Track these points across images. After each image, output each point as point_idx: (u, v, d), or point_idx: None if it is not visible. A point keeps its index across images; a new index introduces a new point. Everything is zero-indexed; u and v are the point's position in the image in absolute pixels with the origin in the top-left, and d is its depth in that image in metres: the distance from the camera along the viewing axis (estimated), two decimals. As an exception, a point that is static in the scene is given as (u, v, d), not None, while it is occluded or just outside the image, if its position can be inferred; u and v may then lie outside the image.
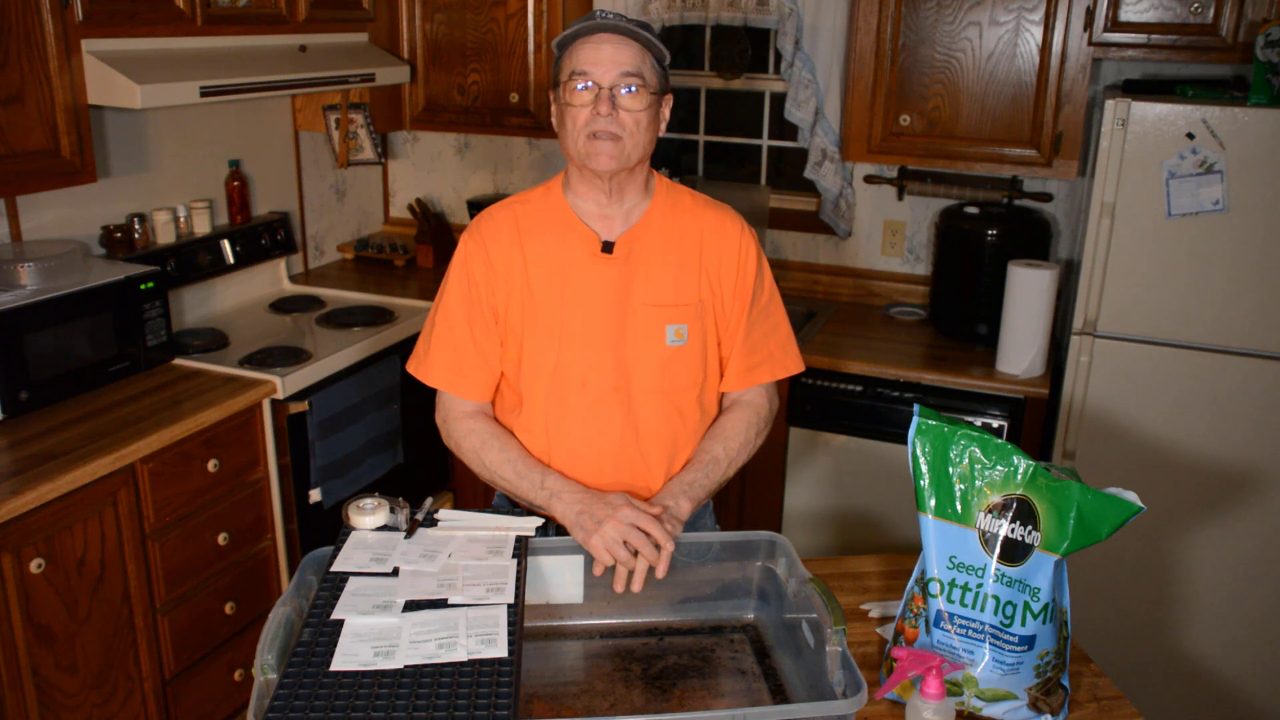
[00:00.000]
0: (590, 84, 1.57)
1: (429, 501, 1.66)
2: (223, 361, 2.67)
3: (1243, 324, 2.51)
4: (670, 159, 3.74)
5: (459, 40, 3.35)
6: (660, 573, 1.51)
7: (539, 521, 1.62)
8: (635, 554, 1.51)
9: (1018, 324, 2.75)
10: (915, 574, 1.45)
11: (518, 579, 1.47)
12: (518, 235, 1.68)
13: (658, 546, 1.51)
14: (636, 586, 1.52)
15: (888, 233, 3.37)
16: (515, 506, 1.79)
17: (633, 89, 1.58)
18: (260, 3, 2.76)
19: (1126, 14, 2.67)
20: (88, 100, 2.35)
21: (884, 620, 1.64)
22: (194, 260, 2.96)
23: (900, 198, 3.31)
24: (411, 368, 1.77)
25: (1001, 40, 2.80)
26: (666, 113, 1.69)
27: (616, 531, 1.51)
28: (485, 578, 1.47)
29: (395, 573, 1.48)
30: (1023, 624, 1.36)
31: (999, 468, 1.37)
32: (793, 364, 1.79)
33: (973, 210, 3.05)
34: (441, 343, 1.72)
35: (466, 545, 1.55)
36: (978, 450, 1.38)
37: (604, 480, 1.68)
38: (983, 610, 1.37)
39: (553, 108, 1.68)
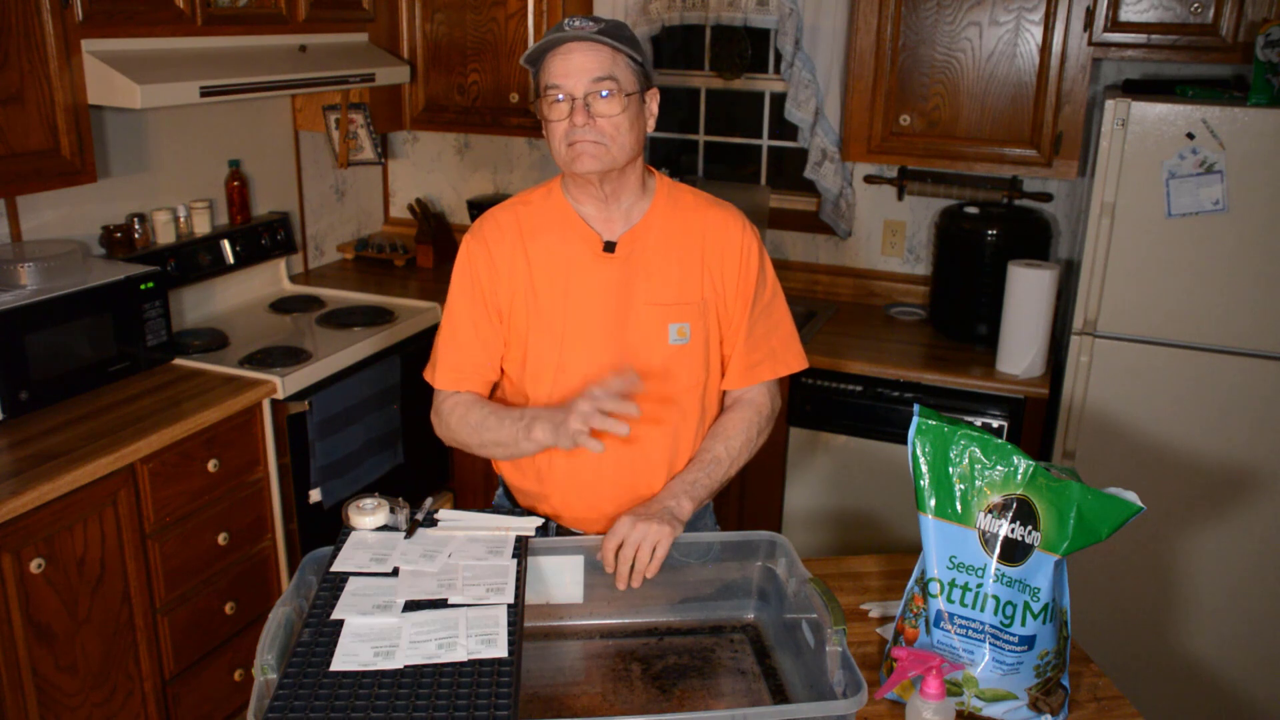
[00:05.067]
0: (563, 96, 1.57)
1: (429, 501, 1.66)
2: (223, 361, 2.67)
3: (1243, 324, 2.51)
4: (670, 159, 3.74)
5: (459, 40, 3.35)
6: (651, 573, 1.52)
7: (539, 521, 1.62)
8: (633, 557, 1.52)
9: (1018, 324, 2.75)
10: (915, 574, 1.45)
11: (518, 579, 1.47)
12: (520, 236, 1.69)
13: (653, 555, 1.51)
14: (636, 581, 1.52)
15: (888, 233, 3.37)
16: (515, 506, 1.79)
17: (606, 94, 1.57)
18: (260, 3, 2.76)
19: (1126, 14, 2.67)
20: (88, 100, 2.35)
21: (884, 620, 1.64)
22: (194, 260, 2.96)
23: (900, 198, 3.31)
24: (426, 375, 1.77)
25: (1001, 40, 2.80)
26: (654, 108, 1.67)
27: (585, 406, 1.49)
28: (485, 578, 1.47)
29: (395, 573, 1.48)
30: (1023, 624, 1.36)
31: (999, 468, 1.37)
32: (795, 361, 1.79)
33: (973, 210, 3.05)
34: (447, 346, 1.72)
35: (466, 545, 1.55)
36: (978, 450, 1.38)
37: (605, 480, 1.68)
38: (983, 610, 1.37)
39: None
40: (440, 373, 1.73)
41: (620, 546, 1.52)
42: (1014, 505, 1.36)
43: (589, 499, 1.71)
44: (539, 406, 1.65)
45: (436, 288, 3.40)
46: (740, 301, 1.72)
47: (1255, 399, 2.53)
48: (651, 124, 1.67)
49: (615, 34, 1.57)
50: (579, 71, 1.56)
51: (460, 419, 1.69)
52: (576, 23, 1.57)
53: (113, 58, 2.36)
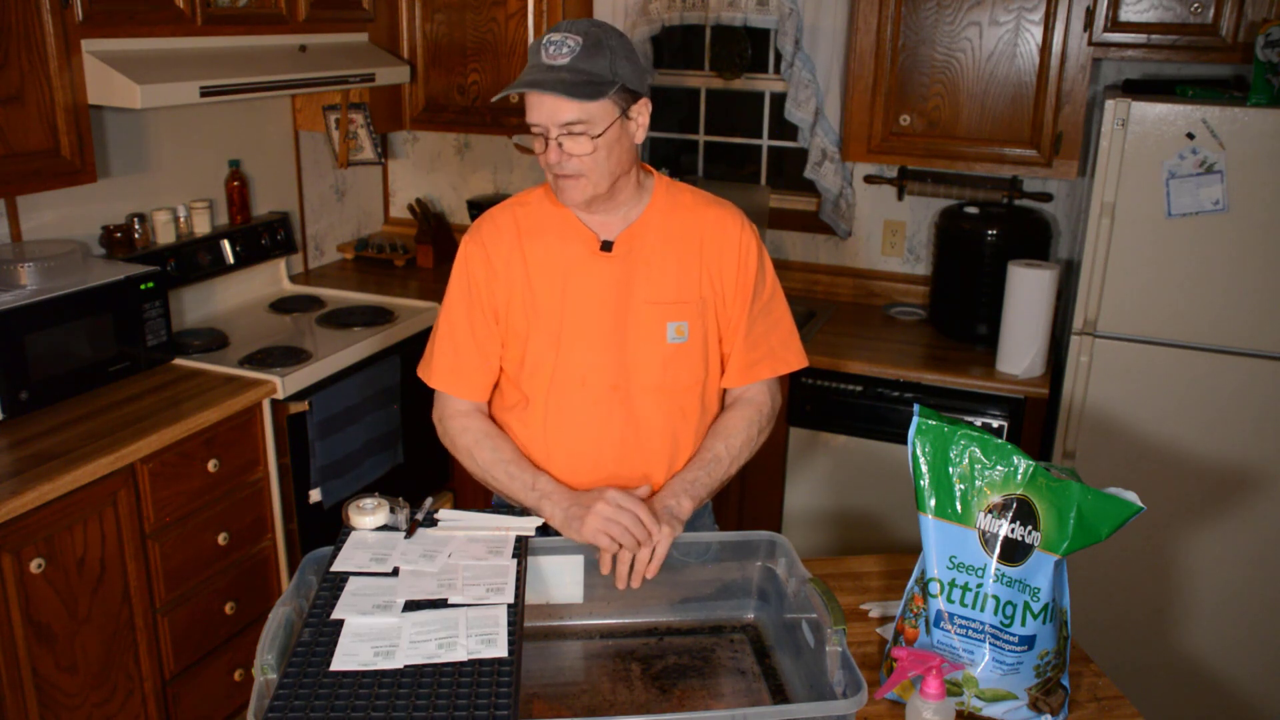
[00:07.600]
0: (539, 131, 1.57)
1: (429, 501, 1.66)
2: (223, 361, 2.67)
3: (1243, 324, 2.51)
4: (670, 159, 3.74)
5: (459, 40, 3.35)
6: (651, 573, 1.52)
7: (539, 521, 1.62)
8: (631, 557, 1.52)
9: (1018, 324, 2.75)
10: (915, 574, 1.45)
11: (518, 579, 1.47)
12: (518, 236, 1.69)
13: (648, 540, 1.52)
14: (636, 582, 1.52)
15: (888, 233, 3.37)
16: (515, 506, 1.79)
17: (577, 132, 1.55)
18: (260, 3, 2.76)
19: (1126, 14, 2.67)
20: (88, 100, 2.35)
21: (884, 620, 1.64)
22: (194, 260, 2.96)
23: (900, 198, 3.31)
24: (420, 372, 1.78)
25: (1001, 40, 2.80)
26: (644, 119, 1.62)
27: (607, 511, 1.51)
28: (485, 578, 1.47)
29: (395, 573, 1.48)
30: (1023, 624, 1.36)
31: (999, 468, 1.37)
32: (795, 359, 1.79)
33: (973, 210, 3.05)
34: (444, 345, 1.73)
35: (466, 545, 1.55)
36: (978, 450, 1.38)
37: (604, 479, 1.68)
38: (983, 610, 1.37)
39: None
40: (437, 373, 1.74)
41: (620, 547, 1.52)
42: (1014, 505, 1.36)
43: (589, 500, 1.71)
44: (551, 481, 1.65)
45: (436, 288, 3.40)
46: (739, 299, 1.72)
47: (1255, 399, 2.53)
48: (641, 135, 1.63)
49: (587, 70, 1.52)
50: (549, 114, 1.55)
51: (466, 452, 1.71)
52: (551, 48, 1.53)
53: (113, 58, 2.36)
